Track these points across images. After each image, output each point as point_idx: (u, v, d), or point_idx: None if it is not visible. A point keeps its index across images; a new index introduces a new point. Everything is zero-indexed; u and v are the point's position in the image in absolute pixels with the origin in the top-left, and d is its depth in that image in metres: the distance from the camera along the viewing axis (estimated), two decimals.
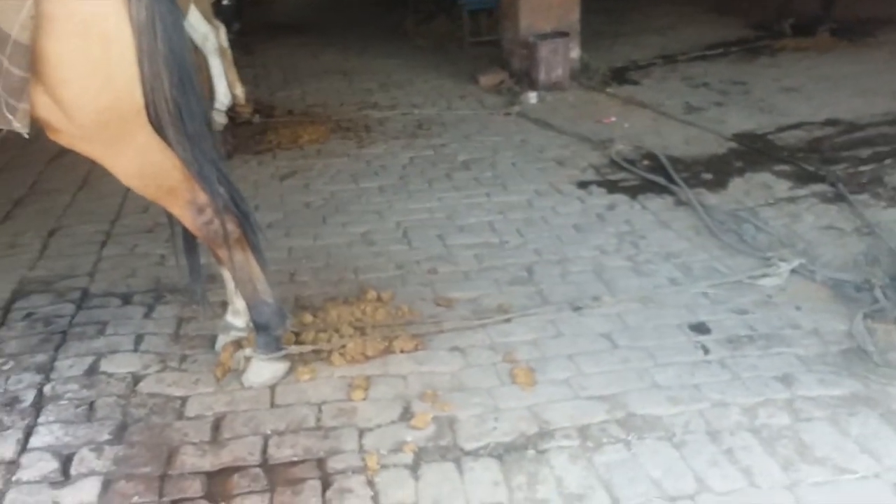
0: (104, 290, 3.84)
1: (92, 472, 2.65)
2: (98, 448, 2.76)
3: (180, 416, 2.95)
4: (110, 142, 2.67)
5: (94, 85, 2.56)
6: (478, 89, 7.46)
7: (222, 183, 2.94)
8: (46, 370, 3.21)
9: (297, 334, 3.35)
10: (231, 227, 2.94)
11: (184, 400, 3.04)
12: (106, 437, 2.82)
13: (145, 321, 3.57)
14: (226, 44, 6.51)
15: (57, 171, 5.51)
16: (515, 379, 3.07)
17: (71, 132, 2.64)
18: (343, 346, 3.23)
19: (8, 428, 2.86)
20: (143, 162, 2.74)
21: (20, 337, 3.45)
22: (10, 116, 2.48)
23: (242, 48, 8.30)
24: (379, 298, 3.69)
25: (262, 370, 3.11)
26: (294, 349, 3.18)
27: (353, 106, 7.01)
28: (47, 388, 3.09)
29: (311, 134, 6.18)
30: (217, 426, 2.89)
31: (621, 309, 3.58)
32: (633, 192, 4.89)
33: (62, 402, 3.00)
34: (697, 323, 3.41)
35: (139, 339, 3.43)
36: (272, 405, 3.00)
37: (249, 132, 6.30)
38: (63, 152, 5.54)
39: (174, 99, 2.71)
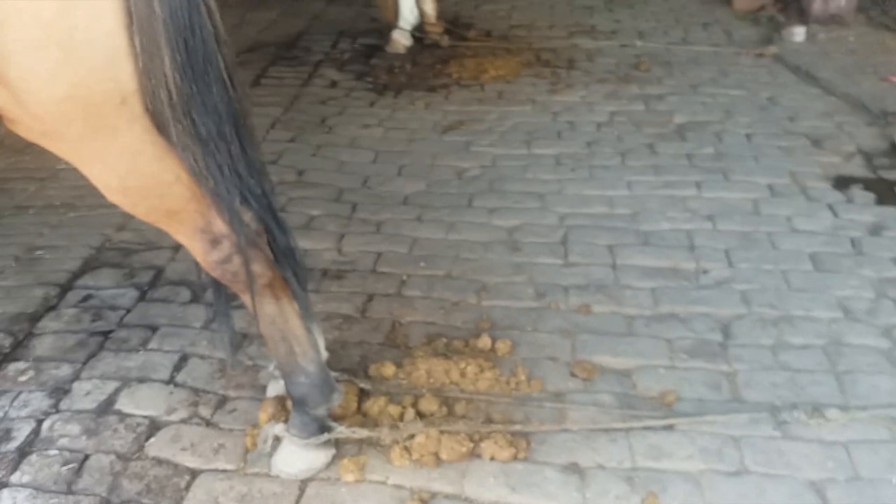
0: (179, 276, 3.13)
1: None
2: None
3: None
4: (81, 141, 1.80)
5: (46, 62, 1.67)
6: (729, 14, 5.86)
7: (255, 207, 2.02)
8: (60, 393, 2.56)
9: (361, 395, 2.45)
10: (259, 268, 2.03)
11: (192, 477, 2.26)
12: None
13: (201, 334, 2.81)
14: None
15: None
16: None
17: (27, 124, 1.81)
18: (410, 438, 2.27)
19: None
20: (128, 172, 1.86)
21: (59, 332, 2.84)
22: None
23: None
24: (493, 349, 2.66)
25: (295, 458, 2.24)
26: (343, 432, 2.27)
27: (562, 30, 5.73)
28: (46, 425, 2.44)
29: (499, 68, 5.06)
30: None
31: (855, 434, 2.28)
32: None
33: (50, 454, 2.34)
34: None
35: (182, 361, 2.69)
36: None
37: (431, 59, 5.30)
38: None
39: (178, 86, 1.78)
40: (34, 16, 1.64)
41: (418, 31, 5.52)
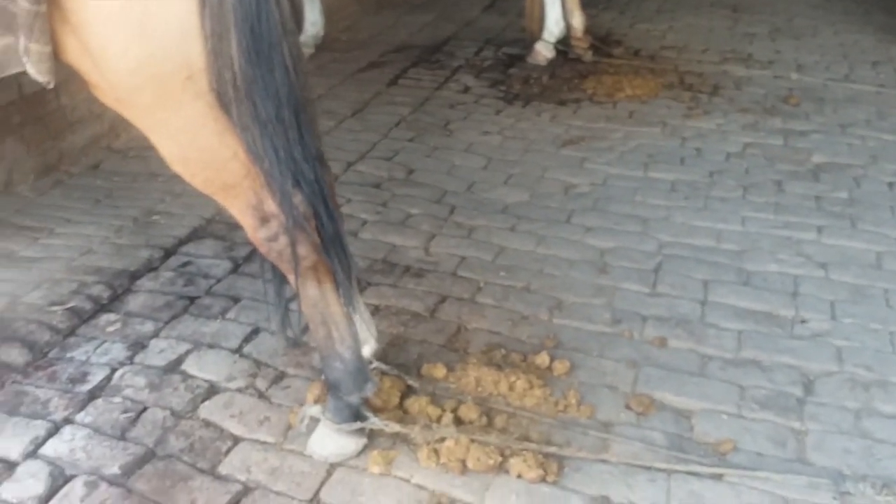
0: None
1: None
2: (93, 484, 2.21)
3: (212, 468, 2.26)
4: (149, 110, 1.93)
5: (122, 33, 1.82)
6: None
7: (306, 191, 2.05)
8: (138, 348, 2.74)
9: (406, 390, 2.45)
10: (304, 251, 2.08)
11: (233, 444, 2.35)
12: (115, 469, 2.25)
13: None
14: None
15: (335, 99, 5.04)
16: None
17: (105, 90, 1.96)
18: (441, 441, 2.25)
19: (46, 416, 2.44)
20: (189, 144, 1.97)
21: (153, 292, 3.04)
22: (25, 58, 1.87)
23: None
24: (549, 368, 2.58)
25: (326, 441, 2.28)
26: (375, 423, 2.28)
27: (715, 55, 5.49)
28: (118, 374, 2.62)
29: (637, 87, 4.92)
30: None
31: None
32: None
33: (114, 401, 2.51)
34: None
35: (253, 334, 2.80)
36: (312, 498, 2.17)
37: (570, 73, 5.23)
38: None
39: (242, 69, 1.86)
40: None
41: (563, 45, 5.47)
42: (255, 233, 2.08)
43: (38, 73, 1.85)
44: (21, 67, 1.88)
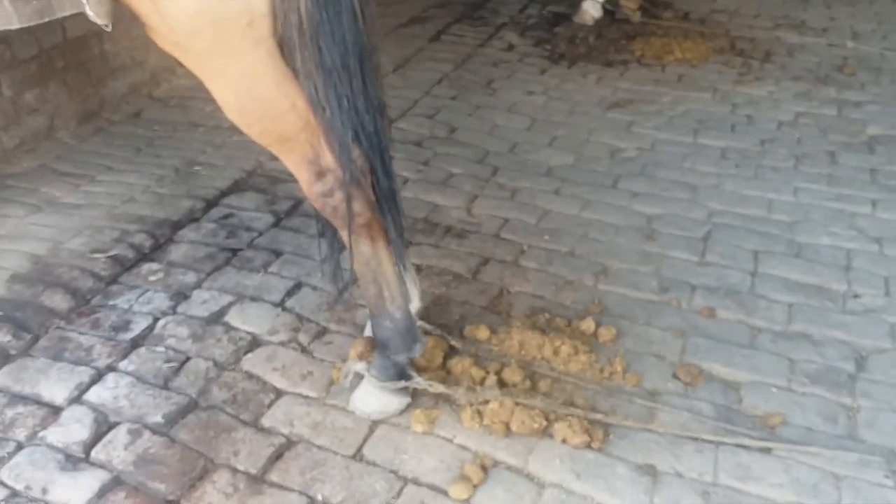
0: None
1: (104, 466, 2.12)
2: (137, 432, 2.21)
3: (255, 420, 2.26)
4: (206, 56, 1.88)
5: None
6: None
7: (364, 145, 2.01)
8: (180, 298, 2.73)
9: (449, 351, 2.43)
10: (359, 207, 2.03)
11: (276, 397, 2.35)
12: (158, 418, 2.26)
13: (318, 267, 2.86)
14: None
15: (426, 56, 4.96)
16: None
17: (163, 34, 1.91)
18: (485, 403, 2.22)
19: (90, 362, 2.45)
20: (247, 93, 1.91)
21: (195, 243, 3.03)
22: (84, 0, 1.83)
23: None
24: (595, 334, 2.54)
25: (370, 398, 2.26)
26: (420, 383, 2.26)
27: (768, 20, 5.32)
28: (161, 323, 2.62)
29: (687, 51, 4.78)
30: (278, 457, 2.15)
31: None
32: None
33: (157, 350, 2.51)
34: None
35: (295, 288, 2.79)
36: (355, 453, 2.16)
37: (617, 34, 5.10)
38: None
39: (309, 11, 1.81)
40: None
41: (611, 4, 5.33)
42: (311, 187, 2.03)
43: (96, 15, 1.81)
44: (79, 8, 1.84)
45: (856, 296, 2.75)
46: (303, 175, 2.04)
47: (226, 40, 1.82)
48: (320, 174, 2.01)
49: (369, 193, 2.06)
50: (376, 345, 2.25)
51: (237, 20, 1.80)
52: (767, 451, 2.14)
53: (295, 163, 2.03)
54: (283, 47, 1.86)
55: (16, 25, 1.80)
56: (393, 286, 2.17)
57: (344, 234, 2.12)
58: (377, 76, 2.01)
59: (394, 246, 2.15)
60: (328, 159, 1.99)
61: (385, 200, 2.10)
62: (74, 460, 2.13)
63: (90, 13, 1.81)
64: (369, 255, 2.14)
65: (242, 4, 1.78)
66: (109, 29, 1.83)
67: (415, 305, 2.38)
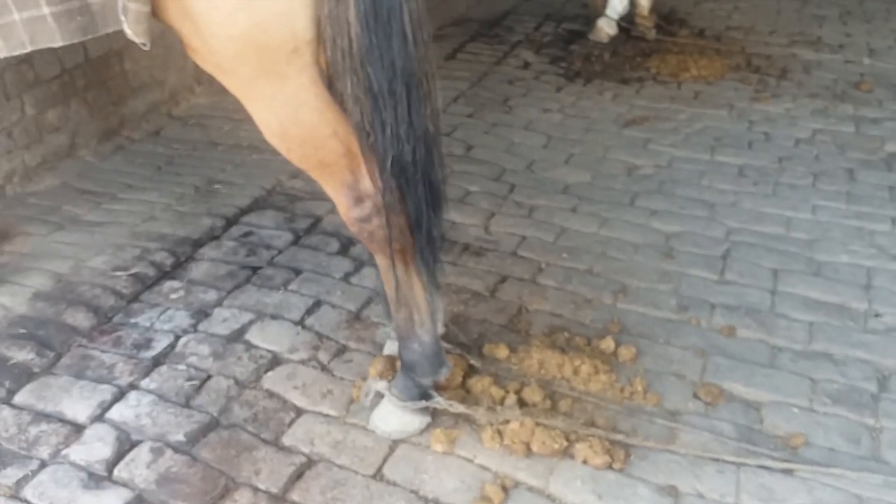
0: (334, 227, 3.22)
1: (127, 484, 2.13)
2: (159, 450, 2.22)
3: (276, 438, 2.27)
4: (250, 81, 1.88)
5: (228, 1, 1.78)
6: None
7: (404, 172, 1.94)
8: (201, 316, 2.75)
9: (469, 370, 2.43)
10: (396, 233, 2.02)
11: (297, 415, 2.35)
12: (180, 436, 2.27)
13: (337, 285, 2.90)
14: None
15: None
16: None
17: (204, 56, 1.91)
18: (505, 423, 2.22)
19: (112, 380, 2.47)
20: (289, 118, 1.91)
21: (215, 261, 3.05)
22: (122, 18, 1.83)
23: None
24: (615, 353, 2.54)
25: (391, 417, 2.27)
26: (441, 403, 2.26)
27: (783, 37, 5.32)
28: (182, 341, 2.63)
29: (703, 68, 4.79)
30: (299, 476, 2.16)
31: None
32: None
33: (179, 368, 2.52)
34: None
35: (315, 306, 2.80)
36: (376, 473, 2.16)
37: (633, 51, 5.12)
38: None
39: (359, 37, 1.79)
40: None
41: (627, 22, 5.35)
42: (349, 212, 2.03)
43: (134, 33, 1.80)
44: (118, 26, 1.83)
45: (877, 315, 2.74)
46: (341, 200, 2.03)
47: (270, 67, 1.82)
48: (358, 199, 2.00)
49: (403, 220, 2.05)
50: (402, 366, 2.25)
51: (282, 47, 1.80)
52: (790, 472, 2.13)
53: (334, 188, 2.02)
54: (329, 72, 1.86)
55: (59, 43, 1.81)
56: (423, 310, 2.17)
57: (378, 258, 2.13)
58: (428, 104, 1.94)
59: (426, 272, 2.14)
60: (367, 185, 1.98)
61: (421, 227, 2.04)
62: (97, 479, 2.14)
63: (128, 31, 1.80)
64: (402, 280, 2.12)
65: (288, 31, 1.78)
66: (147, 48, 1.82)
67: (439, 329, 2.39)
